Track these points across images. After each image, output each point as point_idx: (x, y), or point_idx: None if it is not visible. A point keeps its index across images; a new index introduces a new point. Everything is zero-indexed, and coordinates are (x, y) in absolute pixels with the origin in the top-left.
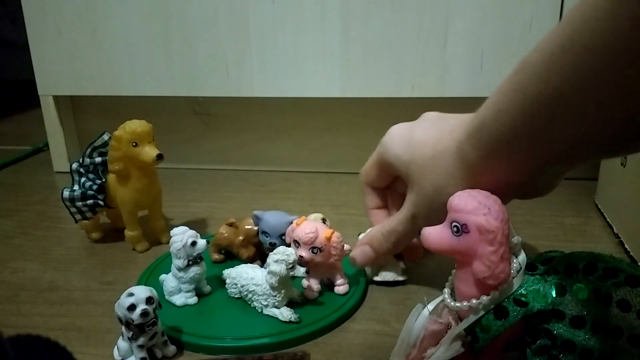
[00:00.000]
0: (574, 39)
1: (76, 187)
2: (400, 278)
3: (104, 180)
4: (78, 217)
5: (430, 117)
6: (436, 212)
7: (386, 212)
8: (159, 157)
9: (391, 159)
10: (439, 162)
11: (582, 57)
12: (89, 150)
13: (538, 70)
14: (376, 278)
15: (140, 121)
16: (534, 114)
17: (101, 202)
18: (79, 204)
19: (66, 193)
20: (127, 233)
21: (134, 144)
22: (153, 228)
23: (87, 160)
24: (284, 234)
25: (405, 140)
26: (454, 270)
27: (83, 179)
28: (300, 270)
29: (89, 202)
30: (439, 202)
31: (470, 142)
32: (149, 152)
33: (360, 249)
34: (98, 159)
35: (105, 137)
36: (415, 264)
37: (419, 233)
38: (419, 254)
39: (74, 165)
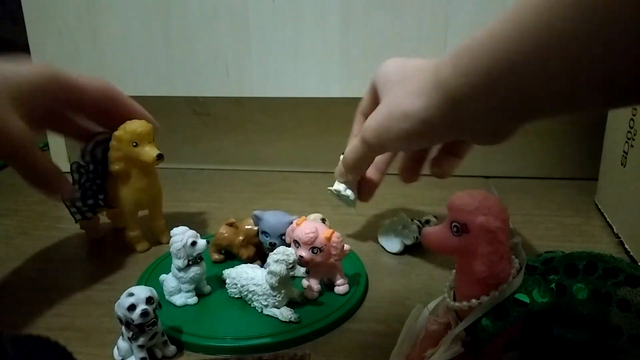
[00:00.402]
0: None
1: (76, 186)
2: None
3: (104, 180)
4: (78, 217)
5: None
6: (380, 134)
7: None
8: (159, 157)
9: (380, 82)
10: (415, 76)
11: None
12: (90, 147)
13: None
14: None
15: (140, 121)
16: (524, 45)
17: (101, 202)
18: (79, 204)
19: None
20: (128, 233)
21: (134, 144)
22: (153, 228)
23: (88, 158)
24: (284, 234)
25: (399, 65)
26: (454, 270)
27: (83, 179)
28: (300, 270)
29: (89, 202)
30: (392, 118)
31: (452, 61)
32: (149, 152)
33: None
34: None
35: (100, 138)
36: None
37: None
38: (371, 193)
39: (74, 165)
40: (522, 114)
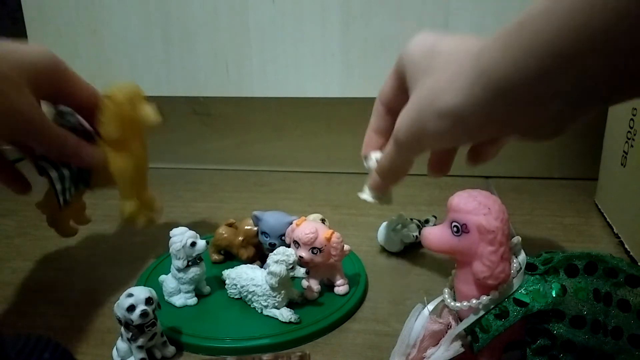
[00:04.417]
0: None
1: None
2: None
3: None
4: (66, 196)
5: (462, 34)
6: (415, 135)
7: (382, 141)
8: (158, 115)
9: (408, 65)
10: (452, 61)
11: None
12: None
13: None
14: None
15: (130, 82)
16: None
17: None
18: (66, 172)
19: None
20: (126, 208)
21: (132, 105)
22: (143, 200)
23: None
24: (283, 235)
25: (429, 47)
26: (454, 270)
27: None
28: (300, 271)
29: (65, 172)
30: (427, 118)
31: (500, 43)
32: (151, 110)
33: (370, 179)
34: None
35: (64, 108)
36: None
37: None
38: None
39: (55, 113)
40: (590, 101)
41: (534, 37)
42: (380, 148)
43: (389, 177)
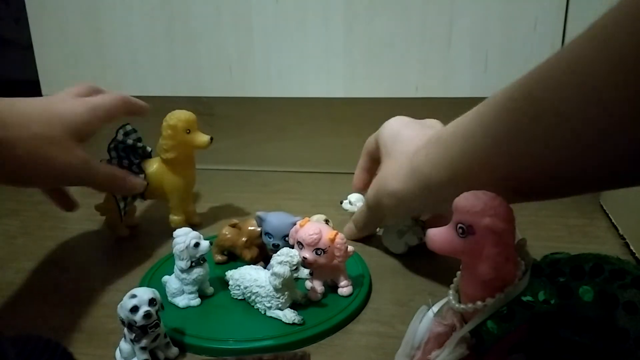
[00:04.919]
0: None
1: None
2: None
3: (141, 171)
4: (125, 208)
5: (428, 124)
6: (376, 204)
7: (369, 177)
8: (211, 140)
9: (380, 143)
10: (400, 159)
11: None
12: (114, 144)
13: (492, 112)
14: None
15: (186, 111)
16: (484, 145)
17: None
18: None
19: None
20: (174, 218)
21: (188, 131)
22: (186, 212)
23: (114, 153)
24: (287, 235)
25: (395, 133)
26: (459, 272)
27: (125, 162)
28: (304, 272)
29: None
30: (381, 194)
31: (426, 150)
32: (203, 137)
33: (347, 226)
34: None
35: (129, 127)
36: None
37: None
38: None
39: (112, 145)
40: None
41: (443, 154)
42: (366, 184)
43: (363, 229)
